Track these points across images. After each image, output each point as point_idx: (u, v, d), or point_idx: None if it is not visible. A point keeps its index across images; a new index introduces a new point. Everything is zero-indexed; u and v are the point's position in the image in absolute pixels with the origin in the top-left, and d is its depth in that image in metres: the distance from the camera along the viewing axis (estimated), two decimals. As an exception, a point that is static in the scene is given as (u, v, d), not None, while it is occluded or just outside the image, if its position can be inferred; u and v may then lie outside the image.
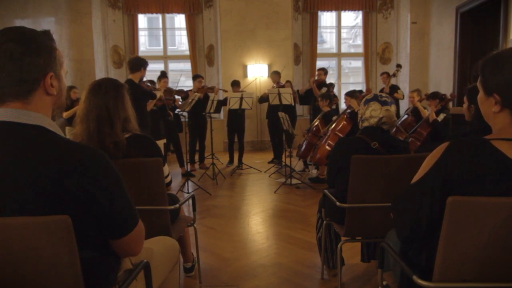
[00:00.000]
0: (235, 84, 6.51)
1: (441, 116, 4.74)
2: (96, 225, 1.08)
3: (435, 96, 4.89)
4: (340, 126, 4.78)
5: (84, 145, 1.07)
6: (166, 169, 2.09)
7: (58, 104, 1.12)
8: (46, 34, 1.07)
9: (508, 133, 1.10)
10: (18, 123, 1.01)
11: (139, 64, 4.07)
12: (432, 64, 8.09)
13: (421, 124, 4.90)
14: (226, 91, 6.39)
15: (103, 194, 1.04)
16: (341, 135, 4.64)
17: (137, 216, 1.17)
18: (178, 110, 5.81)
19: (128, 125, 1.94)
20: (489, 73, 1.12)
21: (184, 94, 6.01)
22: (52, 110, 1.11)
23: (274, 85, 6.51)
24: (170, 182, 2.20)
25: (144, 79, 4.71)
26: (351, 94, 5.17)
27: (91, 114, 1.84)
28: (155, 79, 5.89)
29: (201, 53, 8.68)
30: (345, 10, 8.83)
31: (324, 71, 6.48)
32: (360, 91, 5.63)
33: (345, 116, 4.87)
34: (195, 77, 6.27)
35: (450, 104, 5.49)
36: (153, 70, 7.32)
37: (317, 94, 6.17)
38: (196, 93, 5.55)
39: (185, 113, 5.67)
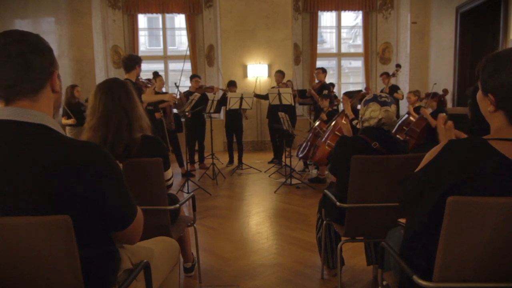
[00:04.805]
0: (232, 84, 6.51)
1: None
2: (99, 221, 1.10)
3: (427, 95, 4.99)
4: (339, 125, 4.77)
5: (85, 142, 1.10)
6: (170, 172, 2.09)
7: (57, 104, 1.16)
8: (41, 37, 1.10)
9: (504, 133, 1.11)
10: (22, 121, 1.02)
11: (133, 62, 3.97)
12: (432, 64, 8.09)
13: (415, 122, 4.92)
14: (225, 90, 6.37)
15: (107, 189, 1.07)
16: (340, 135, 4.63)
17: (136, 207, 1.21)
18: (176, 110, 5.80)
19: (142, 122, 1.93)
20: (487, 74, 1.13)
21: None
22: (53, 108, 1.13)
23: (275, 85, 6.51)
24: (171, 185, 2.20)
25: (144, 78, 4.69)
26: (349, 95, 5.16)
27: (111, 122, 1.80)
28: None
29: (201, 53, 8.69)
30: (345, 10, 8.84)
31: (322, 70, 6.44)
32: (360, 91, 5.62)
33: (343, 115, 4.84)
34: (192, 77, 6.29)
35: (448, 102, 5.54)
36: (153, 70, 7.31)
37: (317, 100, 6.07)
38: (196, 93, 5.54)
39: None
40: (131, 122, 1.85)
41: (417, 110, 5.27)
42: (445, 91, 5.31)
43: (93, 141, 1.78)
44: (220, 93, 6.70)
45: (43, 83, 1.07)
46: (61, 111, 5.63)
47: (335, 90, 7.68)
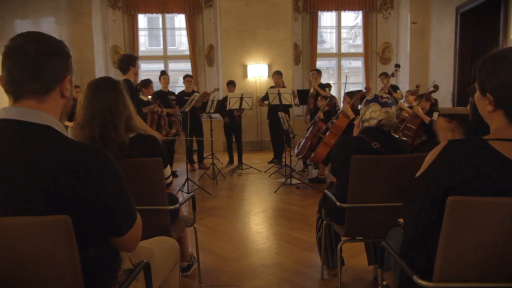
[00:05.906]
0: (231, 84, 6.51)
1: (435, 115, 4.85)
2: (98, 224, 1.09)
3: (421, 96, 5.00)
4: (334, 124, 4.74)
5: (89, 144, 1.10)
6: (168, 170, 2.09)
7: (65, 109, 1.16)
8: (63, 43, 1.12)
9: (504, 133, 1.11)
10: (27, 122, 1.03)
11: (126, 63, 3.87)
12: (432, 64, 8.09)
13: (410, 119, 4.93)
14: (221, 101, 6.28)
15: (106, 192, 1.06)
16: (337, 133, 4.61)
17: (136, 214, 1.20)
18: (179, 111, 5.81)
19: (131, 122, 1.90)
20: (485, 74, 1.13)
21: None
22: (60, 113, 1.13)
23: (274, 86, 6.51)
24: (171, 183, 2.20)
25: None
26: (350, 95, 5.16)
27: (95, 120, 1.78)
28: (153, 79, 5.94)
29: (201, 53, 8.68)
30: (345, 10, 8.83)
31: (317, 71, 6.42)
32: (360, 91, 5.62)
33: (340, 114, 4.81)
34: (184, 77, 6.31)
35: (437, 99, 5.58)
36: (153, 70, 7.31)
37: (322, 94, 6.05)
38: (196, 93, 5.55)
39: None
40: (116, 122, 1.81)
41: (410, 108, 5.30)
42: (436, 87, 5.32)
43: (81, 139, 1.78)
44: (219, 93, 6.70)
45: (53, 86, 1.07)
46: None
47: (335, 90, 7.67)
